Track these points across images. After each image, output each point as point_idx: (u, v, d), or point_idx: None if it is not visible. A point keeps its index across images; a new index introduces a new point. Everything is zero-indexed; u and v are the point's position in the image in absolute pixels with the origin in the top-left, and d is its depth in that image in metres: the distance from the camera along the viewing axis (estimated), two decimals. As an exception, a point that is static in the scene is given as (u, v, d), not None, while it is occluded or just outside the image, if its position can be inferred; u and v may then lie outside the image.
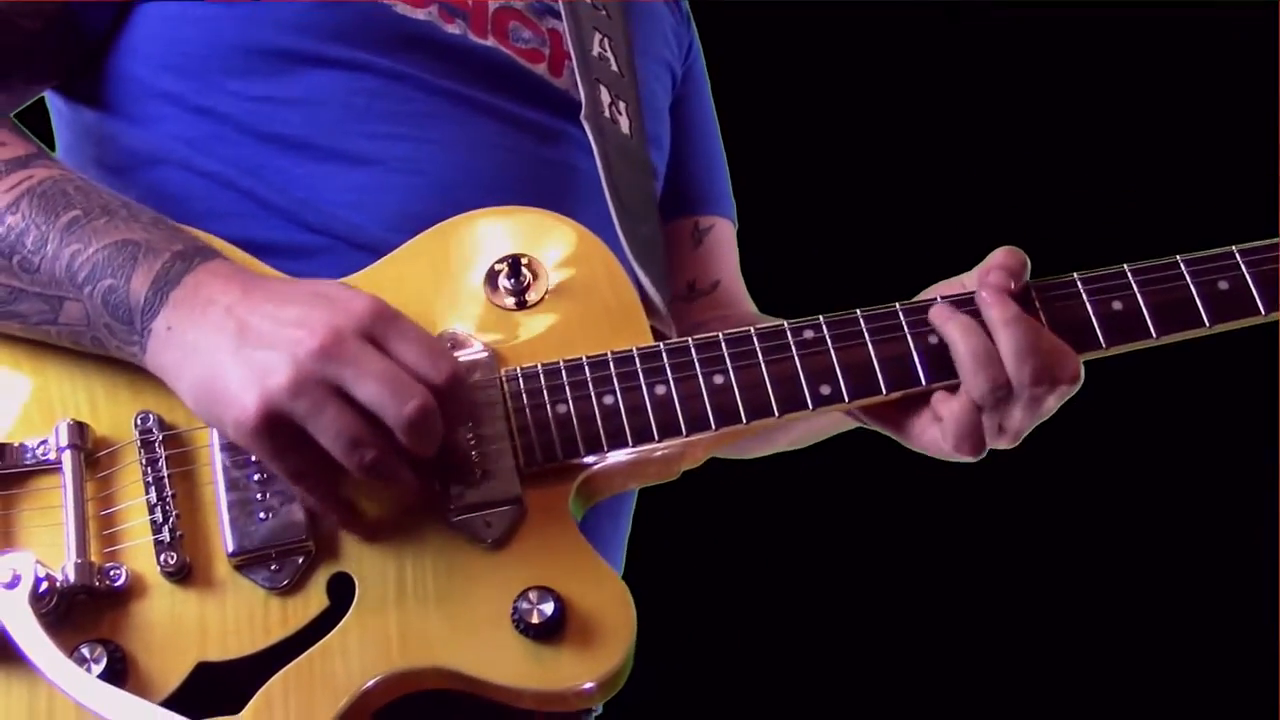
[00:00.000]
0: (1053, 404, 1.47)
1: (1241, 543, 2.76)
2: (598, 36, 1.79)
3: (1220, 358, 2.65)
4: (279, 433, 1.28)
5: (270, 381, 1.28)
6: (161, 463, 1.39)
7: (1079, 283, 1.49)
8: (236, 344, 1.30)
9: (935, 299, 1.49)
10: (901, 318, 1.48)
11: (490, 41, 1.67)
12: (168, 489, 1.38)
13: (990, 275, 1.47)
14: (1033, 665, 2.86)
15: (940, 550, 2.93)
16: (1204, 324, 1.48)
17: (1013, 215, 2.56)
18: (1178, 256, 1.51)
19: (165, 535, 1.36)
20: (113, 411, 1.42)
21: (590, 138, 1.68)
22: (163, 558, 1.35)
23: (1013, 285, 1.46)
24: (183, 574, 1.36)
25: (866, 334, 1.47)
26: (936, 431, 1.48)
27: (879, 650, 2.90)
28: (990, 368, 1.43)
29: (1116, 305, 1.48)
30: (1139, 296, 1.48)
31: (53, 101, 1.69)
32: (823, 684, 2.89)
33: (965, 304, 1.47)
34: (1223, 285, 1.48)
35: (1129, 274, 1.49)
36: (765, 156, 2.89)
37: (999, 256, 1.48)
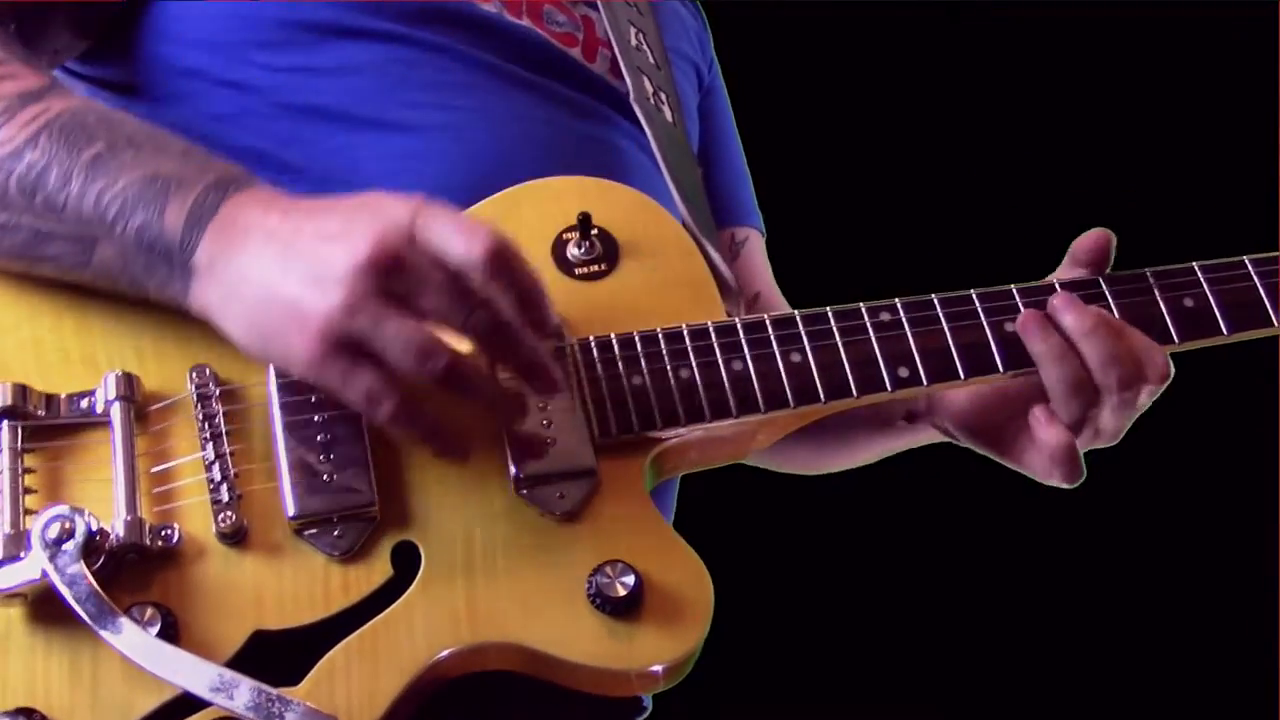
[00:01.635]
0: (1145, 401, 1.45)
1: (1242, 541, 2.76)
2: (633, 29, 1.76)
3: (1220, 356, 2.70)
4: (342, 356, 1.20)
5: (324, 304, 1.20)
6: (219, 419, 1.31)
7: (1150, 278, 1.48)
8: (282, 268, 1.22)
9: (1009, 288, 1.46)
10: (977, 304, 1.45)
11: (525, 22, 1.63)
12: (225, 446, 1.30)
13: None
14: (1031, 662, 2.84)
15: (941, 546, 2.90)
16: (1273, 324, 1.48)
17: (1014, 216, 2.56)
18: (1244, 257, 1.51)
19: (222, 495, 1.28)
20: (161, 365, 1.34)
21: (641, 119, 1.64)
22: (219, 518, 1.27)
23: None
24: (239, 537, 1.28)
25: (943, 319, 1.44)
26: (1034, 456, 1.47)
27: (885, 647, 2.87)
28: (1080, 394, 1.42)
29: (1188, 302, 1.47)
30: (1209, 295, 1.47)
31: (74, 90, 1.62)
32: (829, 680, 2.84)
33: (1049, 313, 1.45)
34: None
35: (1198, 271, 1.49)
36: (771, 159, 2.89)
37: (1086, 242, 1.47)
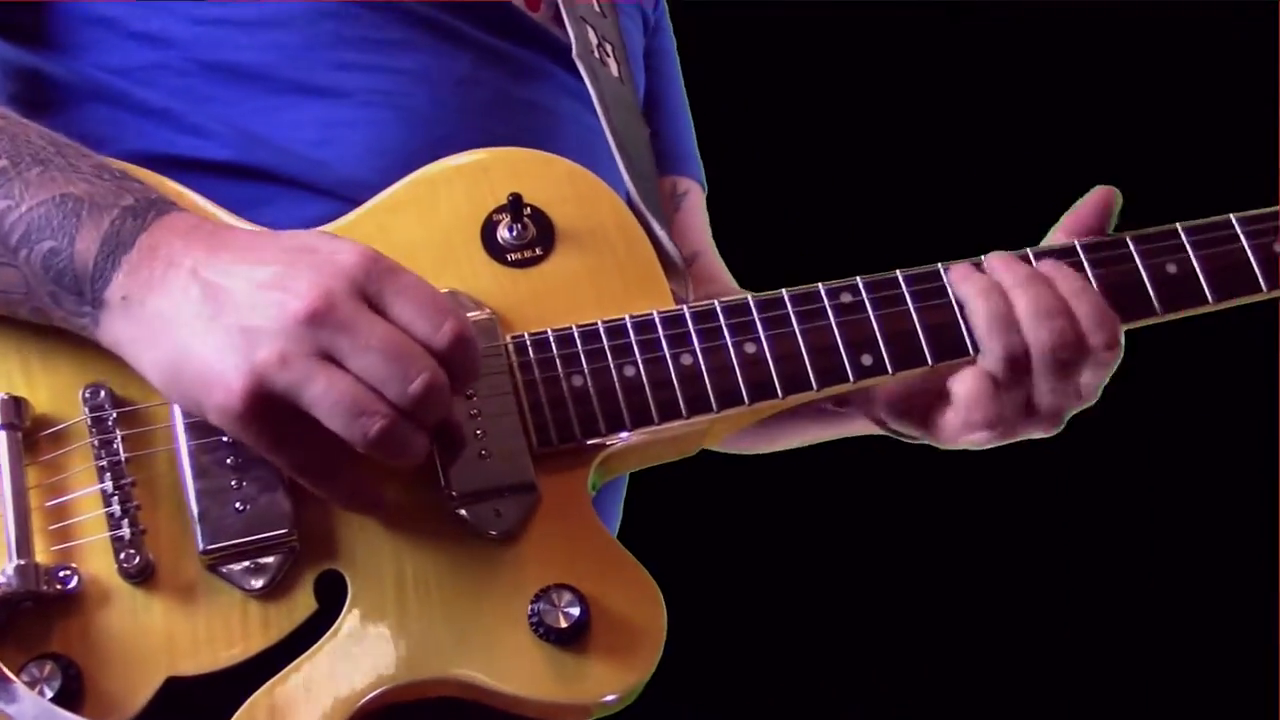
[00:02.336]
0: (1091, 378, 1.33)
1: (1241, 539, 2.71)
2: None
3: (1220, 354, 2.60)
4: (272, 414, 1.10)
5: (256, 356, 1.09)
6: (117, 444, 1.19)
7: (1130, 242, 1.37)
8: (209, 313, 1.11)
9: (980, 260, 1.35)
10: (945, 279, 1.34)
11: None
12: (125, 476, 1.18)
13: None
14: (1028, 657, 2.80)
15: (938, 542, 2.83)
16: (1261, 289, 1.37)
17: (1012, 214, 2.46)
18: (1231, 215, 1.39)
19: (124, 531, 1.17)
20: (53, 384, 1.22)
21: (585, 79, 1.50)
22: (122, 557, 1.16)
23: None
24: (146, 575, 1.17)
25: (909, 298, 1.33)
26: (951, 415, 1.34)
27: (876, 643, 2.81)
28: (1005, 333, 1.30)
29: (1171, 269, 1.36)
30: (1194, 260, 1.36)
31: None
32: (816, 676, 2.79)
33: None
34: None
35: (1182, 234, 1.37)
36: (754, 145, 2.78)
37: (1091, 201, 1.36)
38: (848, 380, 1.30)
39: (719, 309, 1.31)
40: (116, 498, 1.17)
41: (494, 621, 1.19)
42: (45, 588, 1.14)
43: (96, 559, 1.17)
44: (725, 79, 2.80)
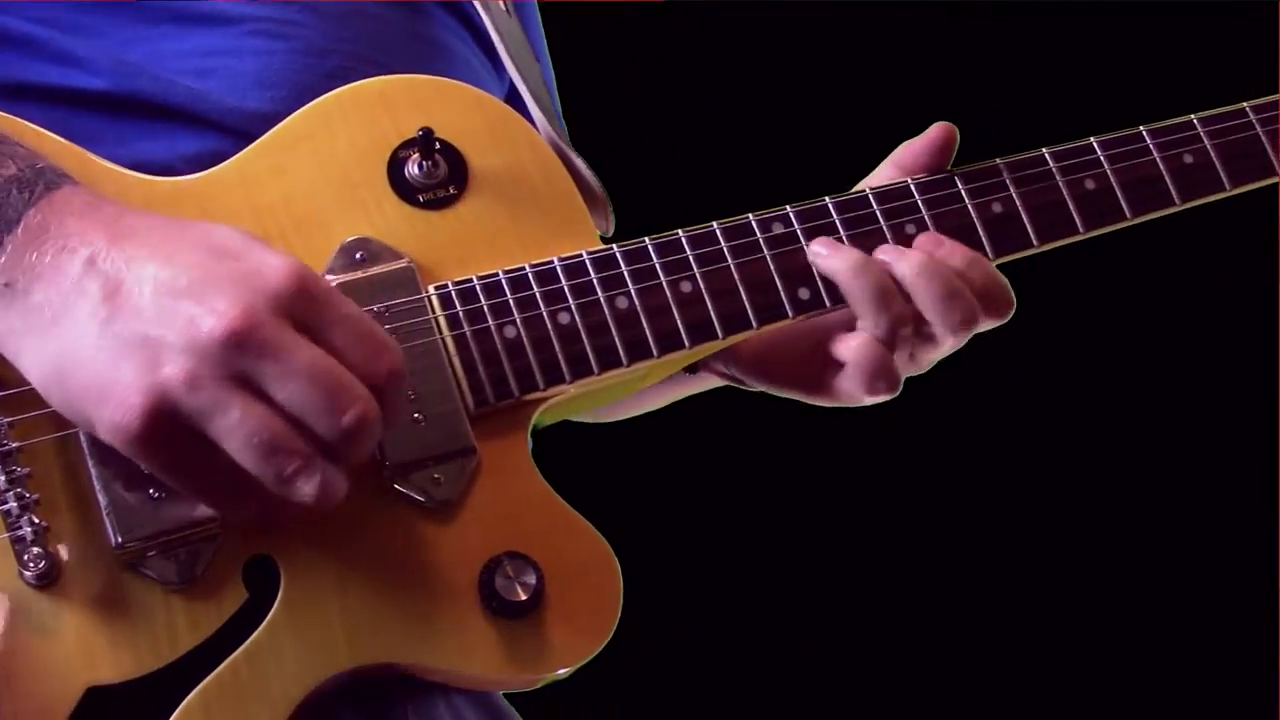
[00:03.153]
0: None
1: (1241, 537, 2.74)
2: None
3: (1220, 350, 2.61)
4: (172, 438, 0.98)
5: (161, 373, 0.96)
6: (4, 432, 1.05)
7: (1003, 170, 1.31)
8: (106, 314, 0.98)
9: (905, 181, 1.30)
10: (874, 205, 1.29)
11: None
12: (18, 468, 1.05)
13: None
14: (1028, 658, 2.80)
15: (933, 538, 2.79)
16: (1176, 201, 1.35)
17: None
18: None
19: (24, 530, 1.04)
20: (-86, 367, 1.07)
21: (479, 9, 1.38)
22: (25, 559, 1.03)
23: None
24: (52, 577, 1.04)
25: (840, 225, 1.28)
26: (844, 378, 1.28)
27: (867, 635, 2.79)
28: (891, 307, 1.23)
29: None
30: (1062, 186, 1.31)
31: None
32: (801, 665, 2.76)
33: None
34: (1188, 159, 1.34)
35: (1048, 159, 1.31)
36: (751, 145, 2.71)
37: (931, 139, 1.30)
38: (786, 316, 1.24)
39: (650, 247, 1.23)
40: (11, 494, 1.04)
41: (441, 598, 1.11)
42: (-64, 601, 1.02)
43: (-6, 564, 1.04)
44: (723, 79, 2.75)
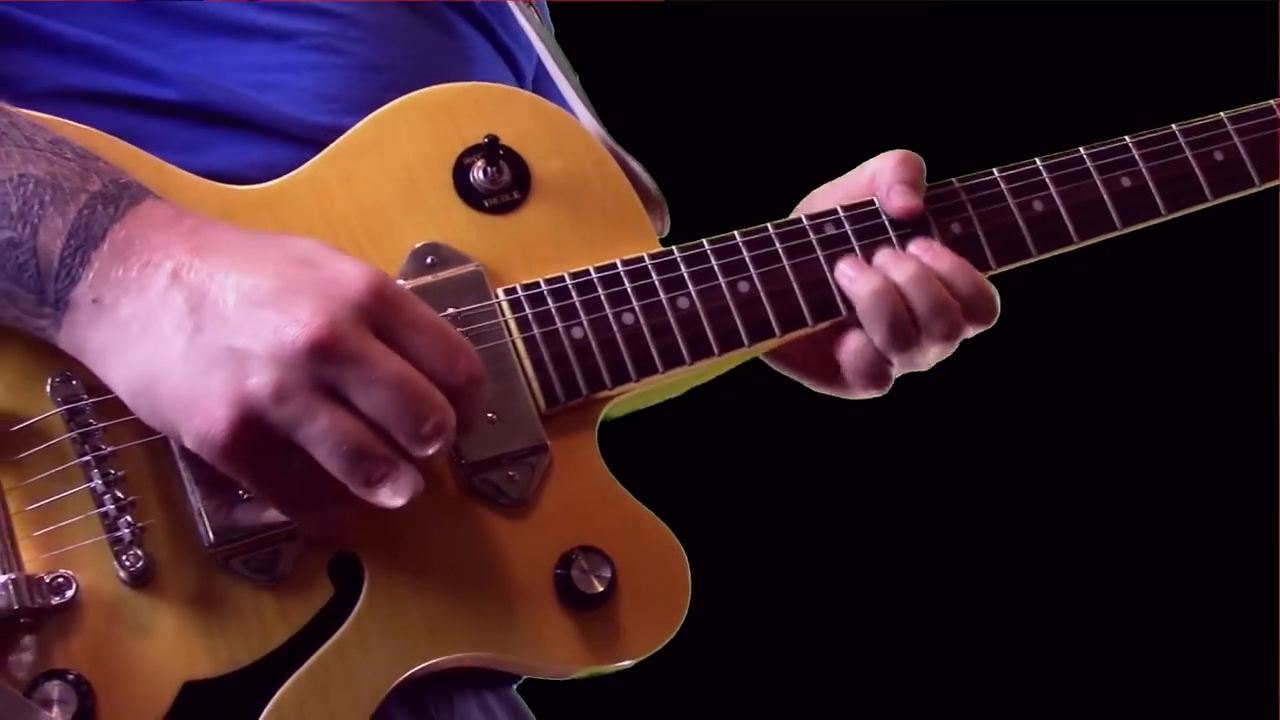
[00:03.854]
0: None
1: (1241, 537, 2.75)
2: None
3: (1220, 350, 2.63)
4: (258, 448, 1.01)
5: (248, 385, 0.99)
6: (99, 436, 1.09)
7: (1001, 182, 1.34)
8: (193, 326, 1.00)
9: (950, 182, 1.34)
10: (925, 206, 1.33)
11: None
12: (114, 471, 1.08)
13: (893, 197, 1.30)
14: (1027, 658, 2.80)
15: (937, 538, 2.80)
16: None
17: None
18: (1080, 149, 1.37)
19: (122, 531, 1.07)
20: (12, 376, 1.10)
21: (520, 20, 1.41)
22: (124, 559, 1.07)
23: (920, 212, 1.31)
24: (149, 576, 1.08)
25: (890, 228, 1.31)
26: (838, 374, 1.33)
27: (873, 639, 2.79)
28: (904, 333, 1.28)
29: (1038, 206, 1.34)
30: (1050, 199, 1.34)
31: None
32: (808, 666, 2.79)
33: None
34: (1125, 183, 1.35)
35: (1043, 171, 1.34)
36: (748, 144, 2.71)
37: (895, 198, 1.30)
38: (840, 314, 1.29)
39: (709, 249, 1.27)
40: (108, 496, 1.08)
41: (518, 593, 1.15)
42: (41, 601, 1.05)
43: (93, 564, 1.07)
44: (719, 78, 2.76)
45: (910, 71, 2.80)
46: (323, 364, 1.00)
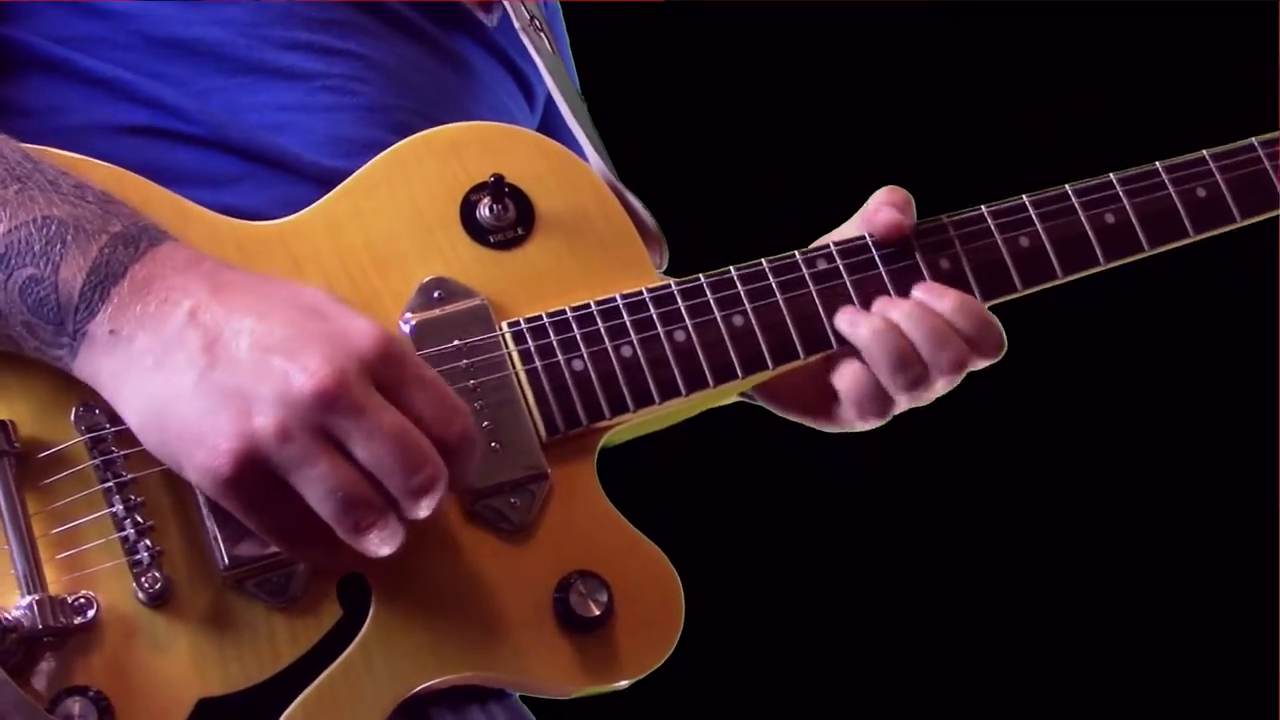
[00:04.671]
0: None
1: (1241, 539, 2.78)
2: None
3: (1221, 350, 2.65)
4: (257, 485, 1.06)
5: (253, 424, 1.04)
6: (120, 464, 1.14)
7: (989, 218, 1.38)
8: (205, 365, 1.06)
9: (941, 219, 1.39)
10: (914, 241, 1.38)
11: None
12: (133, 497, 1.14)
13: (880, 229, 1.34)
14: (1027, 659, 2.84)
15: (940, 542, 2.84)
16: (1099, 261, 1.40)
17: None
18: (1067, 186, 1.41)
19: (141, 554, 1.13)
20: (35, 405, 1.15)
21: (532, 52, 1.46)
22: (142, 581, 1.12)
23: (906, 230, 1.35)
24: (166, 597, 1.13)
25: (880, 263, 1.36)
26: (838, 407, 1.37)
27: (874, 643, 2.84)
28: (909, 369, 1.32)
29: (1024, 242, 1.38)
30: (1041, 232, 1.37)
31: None
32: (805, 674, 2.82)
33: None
34: (1109, 219, 1.39)
35: (1029, 207, 1.38)
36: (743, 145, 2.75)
37: (883, 214, 1.35)
38: (831, 347, 1.33)
39: (705, 283, 1.32)
40: (128, 520, 1.13)
41: (518, 615, 1.20)
42: (64, 620, 1.10)
43: (113, 586, 1.13)
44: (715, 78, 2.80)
45: (910, 74, 2.83)
46: (326, 412, 1.05)
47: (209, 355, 1.06)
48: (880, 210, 1.36)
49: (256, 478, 1.06)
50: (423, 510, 1.08)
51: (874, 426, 1.39)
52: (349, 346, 1.06)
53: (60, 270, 1.08)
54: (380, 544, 1.08)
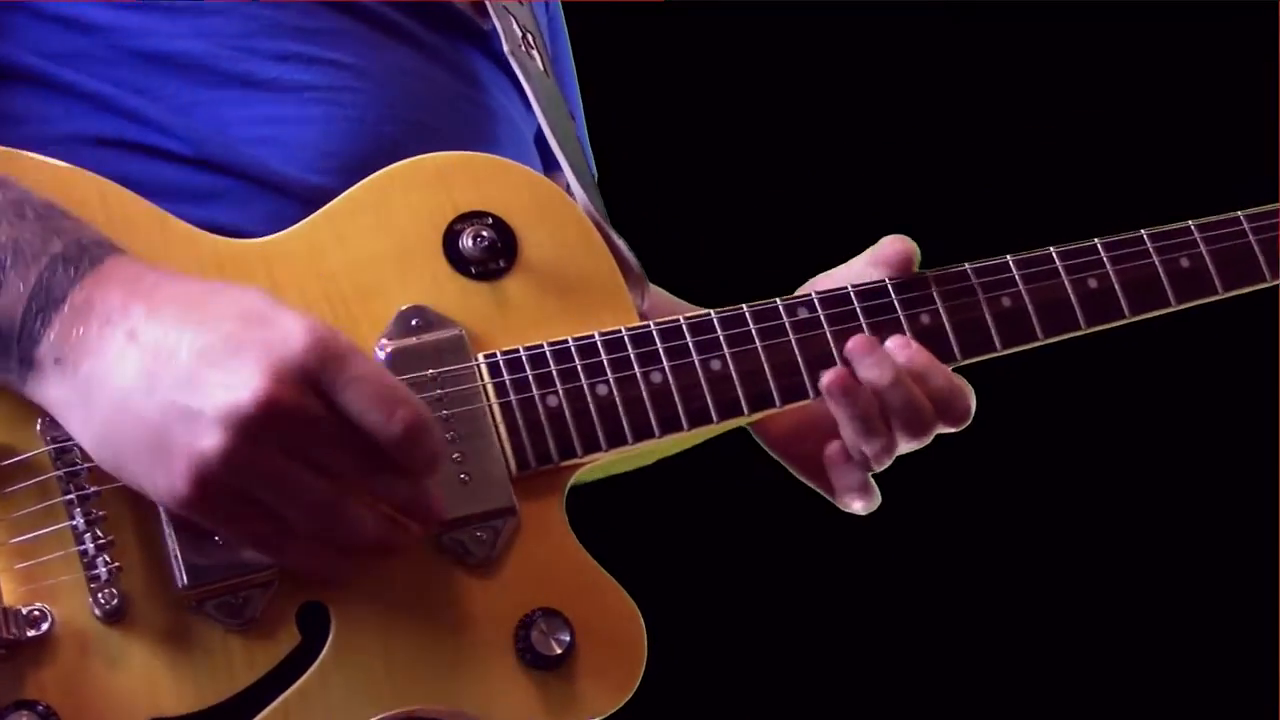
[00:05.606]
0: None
1: (1241, 540, 2.79)
2: None
3: (1221, 351, 2.66)
4: (219, 500, 1.06)
5: (200, 445, 1.04)
6: (83, 476, 1.13)
7: (971, 275, 1.38)
8: (147, 386, 1.06)
9: (925, 274, 1.39)
10: (893, 295, 1.38)
11: None
12: (95, 511, 1.13)
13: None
14: (1027, 659, 2.85)
15: (941, 548, 2.86)
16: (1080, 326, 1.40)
17: (1006, 217, 2.47)
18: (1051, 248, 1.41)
19: (99, 569, 1.11)
20: (4, 413, 1.14)
21: (519, 75, 1.46)
22: (99, 597, 1.11)
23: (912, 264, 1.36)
24: (122, 614, 1.12)
25: (860, 314, 1.36)
26: (834, 491, 1.39)
27: (865, 656, 2.84)
28: (878, 437, 1.32)
29: (1006, 302, 1.38)
30: (1024, 294, 1.38)
31: None
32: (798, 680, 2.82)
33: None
34: (1092, 284, 1.39)
35: (1013, 267, 1.38)
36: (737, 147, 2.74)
37: (893, 246, 1.36)
38: (808, 396, 1.33)
39: (684, 326, 1.32)
40: (88, 535, 1.12)
41: (479, 649, 1.19)
42: (16, 633, 1.09)
43: (69, 600, 1.11)
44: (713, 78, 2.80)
45: (909, 77, 2.84)
46: (268, 425, 1.05)
47: (150, 377, 1.06)
48: (891, 244, 1.37)
49: (217, 494, 1.05)
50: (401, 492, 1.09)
51: (856, 509, 1.40)
52: (286, 352, 1.06)
53: (1, 297, 1.08)
54: (365, 536, 1.08)
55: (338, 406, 1.07)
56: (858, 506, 1.40)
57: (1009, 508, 2.82)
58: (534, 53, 1.51)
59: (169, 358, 1.06)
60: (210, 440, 1.04)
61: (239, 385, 1.04)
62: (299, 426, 1.05)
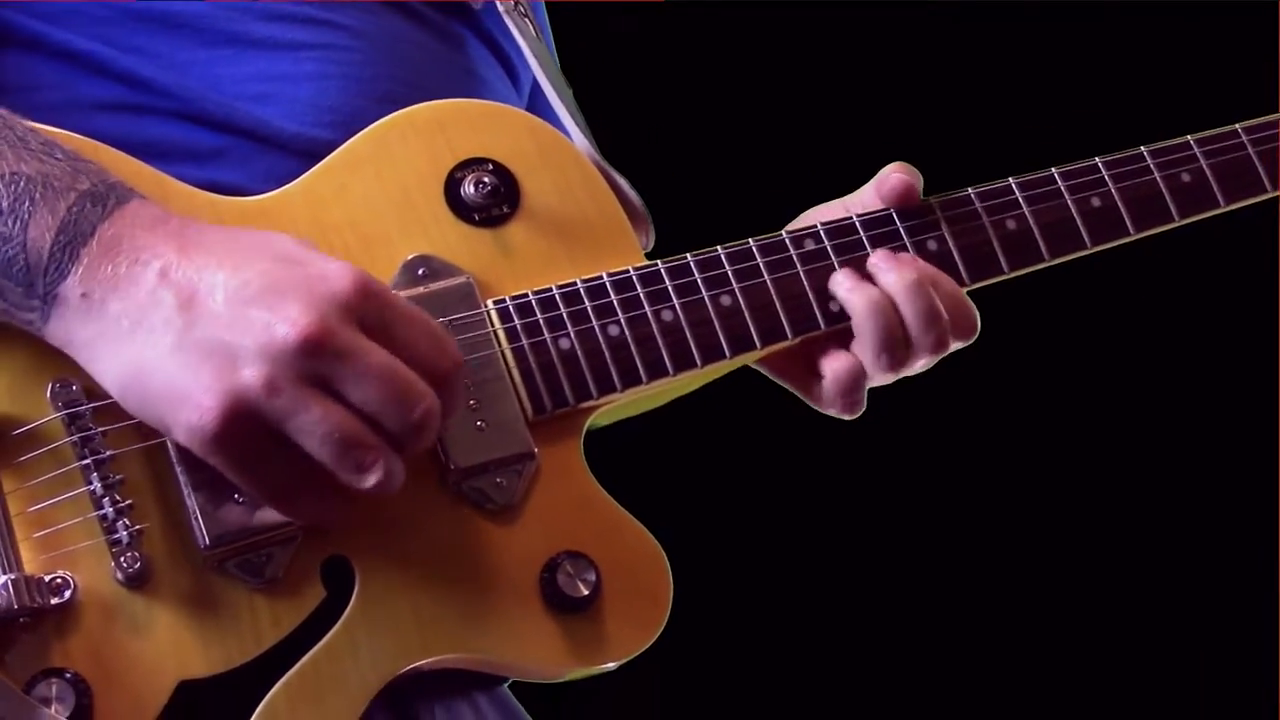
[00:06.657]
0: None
1: (1242, 540, 2.78)
2: None
3: (1221, 351, 2.65)
4: (247, 439, 1.04)
5: (240, 377, 1.02)
6: (98, 440, 1.12)
7: (975, 200, 1.37)
8: (183, 324, 1.04)
9: (929, 201, 1.38)
10: (898, 223, 1.37)
11: None
12: (112, 474, 1.11)
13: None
14: (1027, 660, 2.85)
15: (940, 545, 2.84)
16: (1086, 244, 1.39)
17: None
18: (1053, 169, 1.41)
19: (120, 533, 1.10)
20: (12, 381, 1.12)
21: (515, 33, 1.44)
22: (121, 560, 1.10)
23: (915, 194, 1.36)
24: (145, 578, 1.11)
25: (867, 244, 1.35)
26: (819, 385, 1.36)
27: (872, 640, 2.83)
28: (898, 350, 1.32)
29: (1011, 224, 1.37)
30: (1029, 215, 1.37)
31: None
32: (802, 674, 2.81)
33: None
34: (1095, 203, 1.39)
35: (1016, 190, 1.38)
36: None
37: (894, 178, 1.35)
38: (819, 327, 1.32)
39: (692, 263, 1.31)
40: (107, 499, 1.10)
41: (505, 595, 1.18)
42: (40, 601, 1.07)
43: (91, 566, 1.10)
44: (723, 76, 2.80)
45: (907, 74, 2.83)
46: (313, 359, 1.03)
47: (186, 314, 1.04)
48: (892, 175, 1.36)
49: (246, 432, 1.04)
50: (422, 443, 1.07)
51: (843, 416, 1.38)
52: (326, 290, 1.04)
53: (29, 229, 1.06)
54: (386, 483, 1.06)
55: (387, 342, 1.05)
56: (839, 406, 1.36)
57: (1011, 504, 2.83)
58: (527, 20, 1.50)
59: (205, 296, 1.04)
60: (251, 370, 1.02)
61: (283, 322, 1.03)
62: (341, 360, 1.04)
